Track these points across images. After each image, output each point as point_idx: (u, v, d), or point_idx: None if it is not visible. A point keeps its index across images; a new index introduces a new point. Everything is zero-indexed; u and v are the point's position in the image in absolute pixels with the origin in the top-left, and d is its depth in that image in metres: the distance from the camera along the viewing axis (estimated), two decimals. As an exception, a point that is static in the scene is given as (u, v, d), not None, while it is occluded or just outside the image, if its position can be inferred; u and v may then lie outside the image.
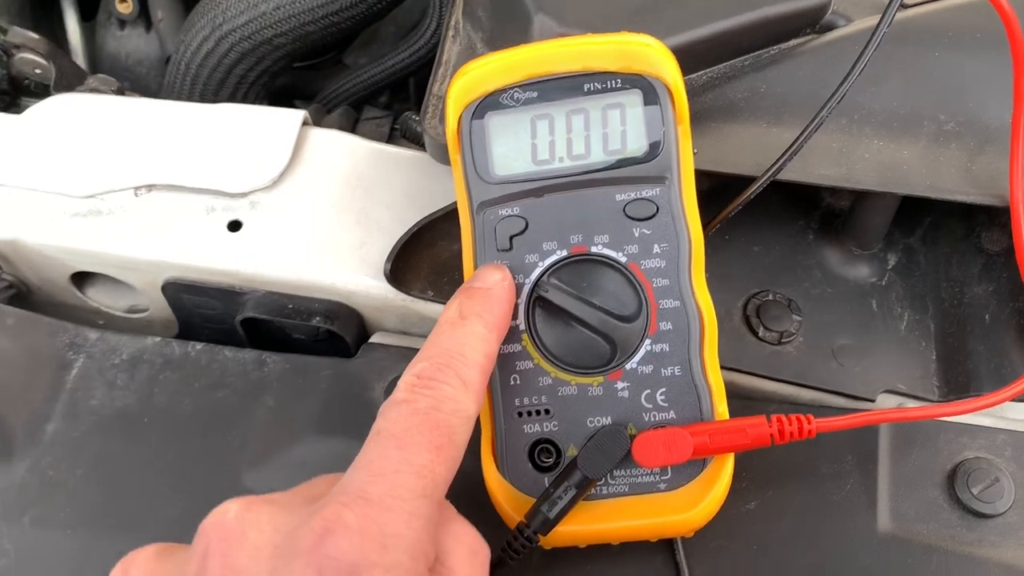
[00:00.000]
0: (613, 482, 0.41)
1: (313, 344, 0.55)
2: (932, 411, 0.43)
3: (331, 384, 0.49)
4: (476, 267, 0.43)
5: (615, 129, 0.42)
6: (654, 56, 0.41)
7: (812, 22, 0.50)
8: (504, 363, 0.41)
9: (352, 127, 0.72)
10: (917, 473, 0.45)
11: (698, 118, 0.47)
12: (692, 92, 0.47)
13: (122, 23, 0.81)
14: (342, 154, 0.56)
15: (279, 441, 0.47)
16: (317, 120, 0.66)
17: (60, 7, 0.82)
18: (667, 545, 0.43)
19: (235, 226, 0.53)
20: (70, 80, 0.66)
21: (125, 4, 0.79)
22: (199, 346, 0.50)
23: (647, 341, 0.41)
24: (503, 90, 0.42)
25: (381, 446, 0.33)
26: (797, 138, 0.45)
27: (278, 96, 0.77)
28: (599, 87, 0.42)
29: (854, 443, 0.46)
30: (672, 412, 0.41)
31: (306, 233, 0.52)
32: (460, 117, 0.42)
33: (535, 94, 0.42)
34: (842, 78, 0.44)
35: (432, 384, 0.35)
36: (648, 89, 0.41)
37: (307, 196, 0.54)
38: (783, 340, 0.51)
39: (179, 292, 0.54)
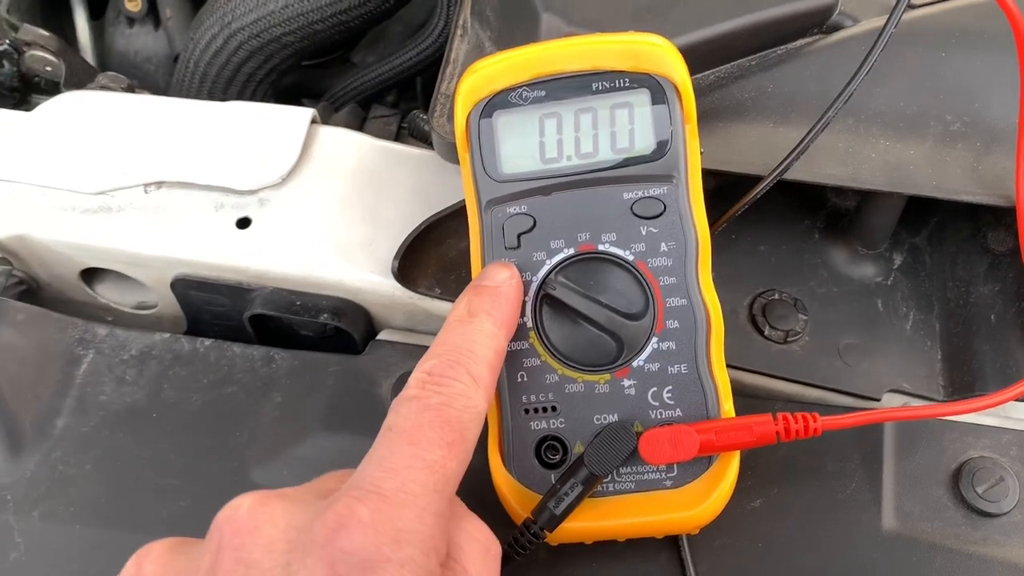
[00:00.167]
0: (619, 479, 0.41)
1: (321, 341, 0.55)
2: (937, 410, 0.43)
3: (338, 380, 0.49)
4: (484, 265, 0.43)
5: (623, 128, 0.42)
6: (662, 55, 0.42)
7: (819, 22, 0.50)
8: (511, 360, 0.42)
9: (360, 125, 0.72)
10: (922, 472, 0.45)
11: (705, 117, 0.47)
12: (699, 92, 0.48)
13: (131, 21, 0.82)
14: (350, 152, 0.56)
15: (287, 437, 0.48)
16: (325, 118, 0.66)
17: (70, 5, 0.83)
18: (672, 542, 0.44)
19: (244, 223, 0.53)
20: (80, 77, 0.67)
21: (134, 2, 0.80)
22: (207, 342, 0.51)
23: (654, 339, 0.41)
24: (511, 89, 0.42)
25: (393, 441, 0.33)
26: (804, 138, 0.45)
27: (286, 94, 0.77)
28: (607, 86, 0.42)
29: (859, 442, 0.46)
30: (678, 410, 0.41)
31: (314, 230, 0.53)
32: (469, 115, 0.43)
33: (543, 93, 0.42)
34: (849, 78, 0.45)
35: (443, 381, 0.35)
36: (656, 88, 0.42)
37: (315, 194, 0.54)
38: (789, 339, 0.51)
39: (188, 288, 0.54)
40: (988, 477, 0.44)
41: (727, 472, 0.40)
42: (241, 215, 0.53)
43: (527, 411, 0.42)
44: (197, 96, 0.70)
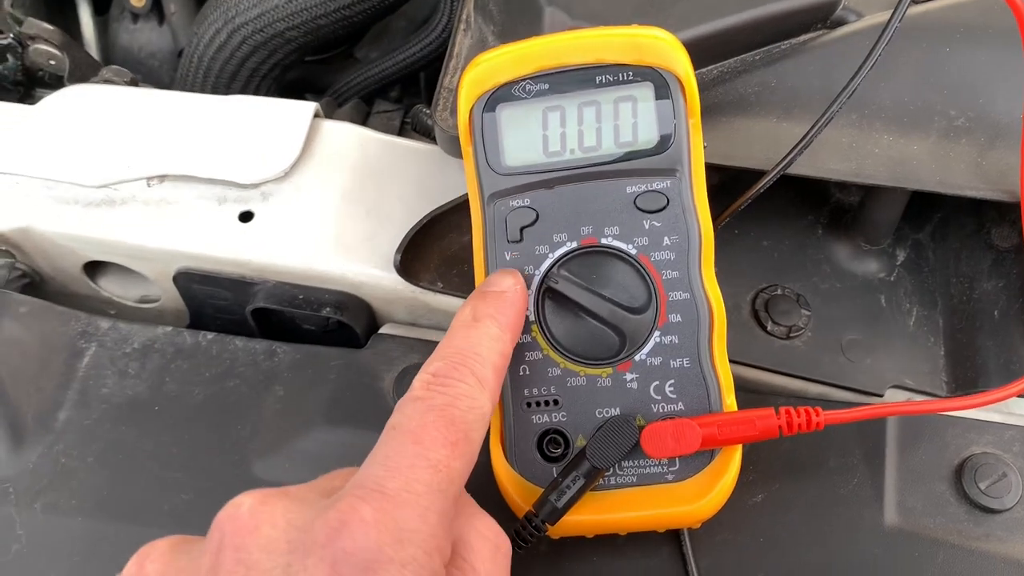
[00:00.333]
0: (621, 473, 0.41)
1: (323, 335, 0.55)
2: (940, 405, 0.43)
3: (340, 374, 0.49)
4: (486, 258, 0.43)
5: (626, 121, 0.42)
6: (666, 49, 0.42)
7: (823, 17, 0.50)
8: (514, 354, 0.41)
9: (363, 120, 0.72)
10: (924, 468, 0.45)
11: (709, 112, 0.47)
12: (703, 86, 0.48)
13: (135, 16, 0.82)
14: (353, 146, 0.56)
15: (289, 430, 0.48)
16: (328, 113, 0.66)
17: (74, 1, 0.83)
18: (674, 536, 0.44)
19: (246, 217, 0.53)
20: (84, 71, 0.67)
21: (138, -3, 0.80)
22: (210, 336, 0.51)
23: (656, 333, 0.41)
24: (515, 82, 0.42)
25: (397, 441, 0.33)
26: (807, 133, 0.45)
27: (289, 89, 0.77)
28: (611, 79, 0.42)
29: (862, 437, 0.46)
30: (681, 404, 0.41)
31: (317, 224, 0.53)
32: (472, 108, 0.42)
33: (547, 86, 0.42)
34: (853, 73, 0.45)
35: (447, 382, 0.35)
36: (660, 82, 0.42)
37: (318, 188, 0.54)
38: (791, 334, 0.51)
39: (190, 282, 0.54)
40: (991, 473, 0.44)
41: (729, 466, 0.40)
42: (244, 209, 0.53)
43: (529, 404, 0.42)
44: (201, 91, 0.70)
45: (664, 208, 0.42)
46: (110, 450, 0.47)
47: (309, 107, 0.56)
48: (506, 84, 0.42)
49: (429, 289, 0.51)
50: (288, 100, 0.57)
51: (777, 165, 0.45)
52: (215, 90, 0.70)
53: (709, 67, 0.49)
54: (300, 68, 0.76)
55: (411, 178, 0.54)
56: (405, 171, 0.55)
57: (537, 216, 0.42)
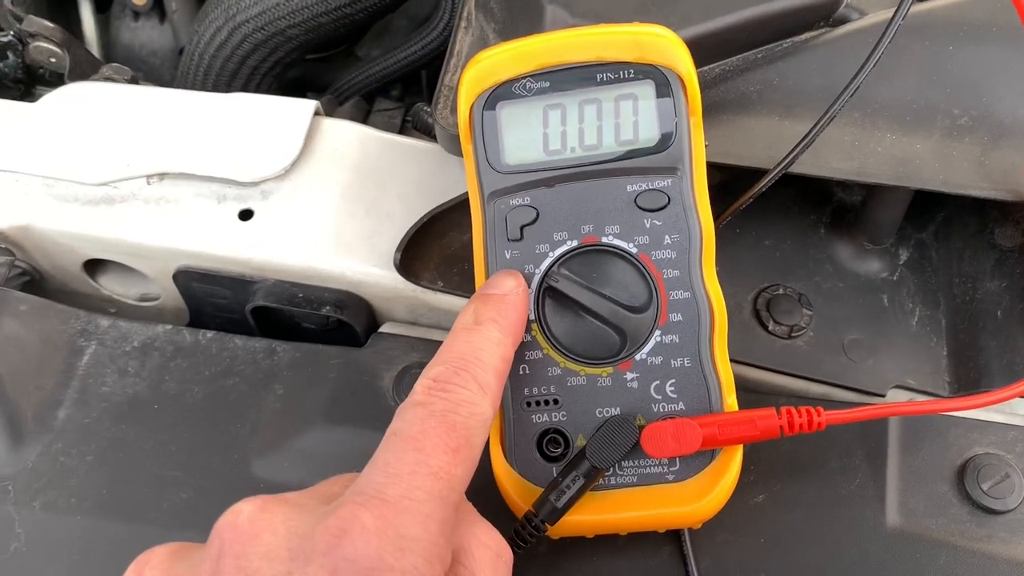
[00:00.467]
0: (621, 472, 0.41)
1: (323, 333, 0.55)
2: (942, 405, 0.43)
3: (340, 373, 0.49)
4: (486, 256, 0.43)
5: (627, 119, 0.42)
6: (667, 47, 0.41)
7: (826, 15, 0.50)
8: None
9: (364, 119, 0.72)
10: (926, 468, 0.45)
11: (710, 110, 0.47)
12: (705, 84, 0.47)
13: (136, 14, 0.82)
14: (353, 144, 0.56)
15: (288, 429, 0.47)
16: (329, 112, 0.66)
17: (75, -1, 0.83)
18: (674, 537, 0.43)
19: (246, 215, 0.53)
20: (84, 69, 0.66)
21: (139, -5, 0.80)
22: (209, 334, 0.51)
23: (657, 332, 0.41)
24: (515, 79, 0.42)
25: (397, 447, 0.33)
26: (810, 131, 0.44)
27: (290, 88, 0.77)
28: (612, 77, 0.41)
29: (863, 437, 0.46)
30: (681, 403, 0.41)
31: (317, 222, 0.52)
32: (472, 106, 0.42)
33: (547, 84, 0.42)
34: (855, 71, 0.44)
35: (448, 387, 0.35)
36: (661, 80, 0.41)
37: (318, 186, 0.54)
38: (793, 334, 0.51)
39: (190, 280, 0.54)
40: (993, 474, 0.44)
41: (730, 466, 0.40)
42: (244, 207, 0.53)
43: (529, 404, 0.41)
44: (202, 89, 0.70)
45: (665, 207, 0.42)
46: (109, 449, 0.47)
47: (309, 105, 0.56)
48: (507, 82, 0.42)
49: (429, 288, 0.51)
50: (288, 98, 0.57)
51: (779, 164, 0.45)
52: (216, 88, 0.70)
53: (711, 65, 0.49)
54: (301, 66, 0.76)
55: (411, 176, 0.54)
56: (405, 169, 0.55)
57: (537, 215, 0.42)
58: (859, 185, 0.53)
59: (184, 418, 0.48)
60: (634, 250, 0.42)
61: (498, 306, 0.39)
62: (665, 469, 0.40)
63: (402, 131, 0.71)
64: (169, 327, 0.51)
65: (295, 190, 0.54)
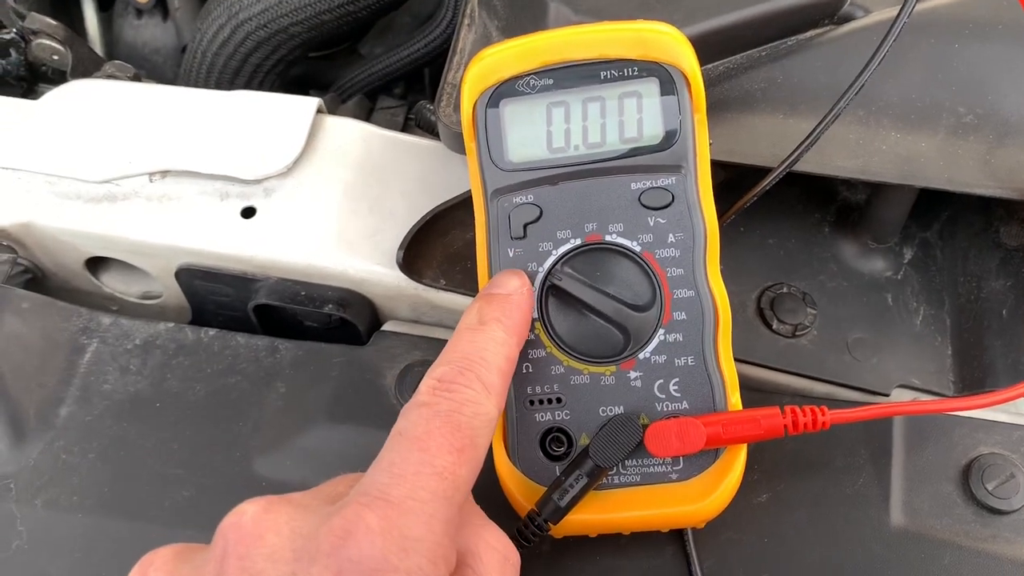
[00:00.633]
0: (625, 472, 0.40)
1: (325, 331, 0.55)
2: (947, 404, 0.43)
3: (343, 371, 0.49)
4: (489, 254, 0.42)
5: (631, 117, 0.41)
6: (672, 44, 0.41)
7: (830, 13, 0.50)
8: (517, 352, 0.41)
9: (366, 117, 0.72)
10: (931, 468, 0.45)
11: (715, 108, 0.47)
12: (709, 82, 0.47)
13: (139, 12, 0.82)
14: (356, 142, 0.55)
15: (290, 427, 0.47)
16: (332, 109, 0.66)
17: (78, -3, 0.83)
18: (677, 536, 0.43)
19: (249, 212, 0.53)
20: (87, 66, 0.66)
21: (142, -7, 0.80)
22: (212, 332, 0.51)
23: (661, 331, 0.41)
24: (518, 77, 0.42)
25: (402, 447, 0.33)
26: (814, 129, 0.44)
27: (293, 86, 0.77)
28: (616, 75, 0.41)
29: (868, 437, 0.45)
30: (685, 402, 0.41)
31: (319, 220, 0.52)
32: (475, 104, 0.42)
33: (551, 81, 0.42)
34: (860, 69, 0.44)
35: (453, 387, 0.35)
36: (665, 77, 0.41)
37: (321, 183, 0.54)
38: (797, 333, 0.50)
39: (192, 278, 0.54)
40: (998, 474, 0.44)
41: (734, 465, 0.40)
42: (246, 204, 0.53)
43: (532, 402, 0.41)
44: (204, 87, 0.70)
45: (669, 205, 0.41)
46: (111, 447, 0.47)
47: (312, 103, 0.56)
48: (510, 79, 0.42)
49: (432, 286, 0.50)
50: (291, 96, 0.57)
51: (783, 162, 0.45)
52: (218, 86, 0.70)
53: (715, 63, 0.49)
54: (304, 64, 0.76)
55: (414, 174, 0.54)
56: (408, 167, 0.54)
57: (541, 213, 0.42)
58: (863, 183, 0.53)
59: (186, 416, 0.48)
60: (638, 248, 0.41)
61: (502, 306, 0.39)
62: (668, 468, 0.40)
63: (405, 129, 0.71)
64: (171, 325, 0.51)
65: (298, 188, 0.54)
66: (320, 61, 0.79)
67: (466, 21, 0.52)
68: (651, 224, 0.41)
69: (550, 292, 0.42)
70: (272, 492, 0.45)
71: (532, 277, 0.42)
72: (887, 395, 0.49)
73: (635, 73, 0.41)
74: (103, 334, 0.51)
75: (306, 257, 0.51)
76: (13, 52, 0.66)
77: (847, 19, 0.50)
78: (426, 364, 0.48)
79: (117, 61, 0.65)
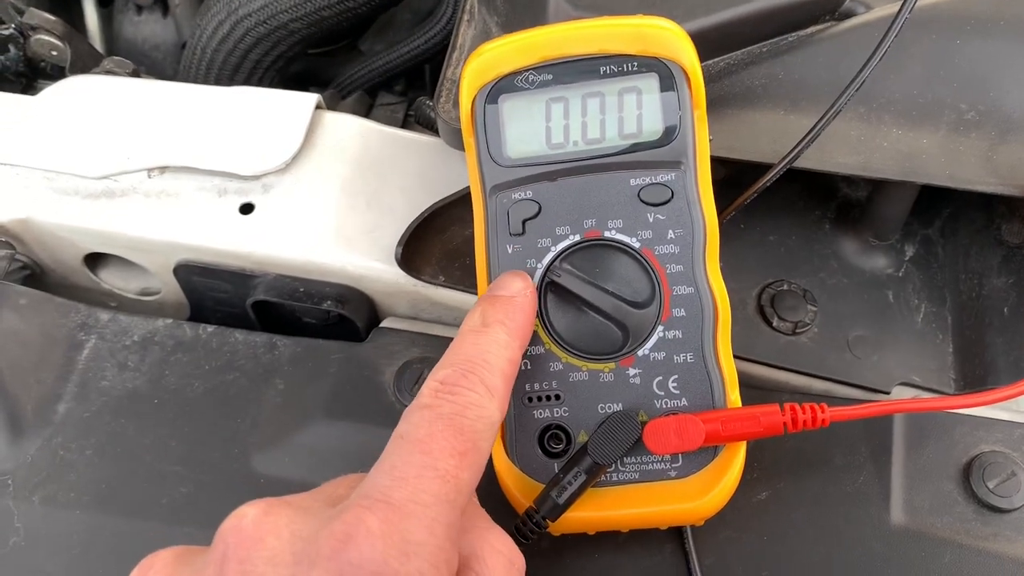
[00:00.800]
0: (623, 469, 0.40)
1: (324, 328, 0.55)
2: (948, 402, 0.42)
3: (341, 368, 0.49)
4: (488, 251, 0.42)
5: (631, 113, 0.41)
6: (672, 39, 0.41)
7: (831, 9, 0.50)
8: (515, 348, 0.41)
9: (366, 113, 0.72)
10: (932, 466, 0.44)
11: (715, 104, 0.46)
12: (709, 78, 0.47)
13: (139, 8, 0.82)
14: (355, 138, 0.55)
15: (289, 424, 0.47)
16: (332, 106, 0.65)
17: (78, -8, 0.82)
18: (676, 534, 0.43)
19: (247, 209, 0.53)
20: (86, 62, 0.66)
21: (142, -11, 0.79)
22: (210, 328, 0.50)
23: (660, 327, 0.41)
24: (517, 72, 0.42)
25: (404, 450, 0.33)
26: (815, 125, 0.44)
27: (293, 82, 0.77)
28: (615, 70, 0.41)
29: (868, 435, 0.45)
30: (684, 399, 0.40)
31: (318, 216, 0.52)
32: (474, 99, 0.42)
33: (550, 76, 0.42)
34: (861, 65, 0.44)
35: (456, 390, 0.35)
36: (665, 73, 0.41)
37: (319, 179, 0.54)
38: (797, 330, 0.50)
39: (191, 274, 0.54)
40: (999, 472, 0.44)
41: (733, 463, 0.40)
42: (244, 200, 0.53)
43: (530, 399, 0.41)
44: (204, 83, 0.70)
45: (668, 201, 0.41)
46: (109, 443, 0.47)
47: (311, 98, 0.56)
48: (509, 75, 0.42)
49: (431, 283, 0.50)
50: (289, 91, 0.57)
51: (784, 158, 0.45)
52: (218, 82, 0.70)
53: (715, 59, 0.49)
54: (304, 61, 0.76)
55: (413, 170, 0.54)
56: (407, 163, 0.54)
57: (540, 209, 0.42)
58: (865, 180, 0.53)
59: (184, 413, 0.48)
60: (637, 245, 0.41)
61: (506, 308, 0.39)
62: (667, 466, 0.40)
63: (405, 125, 0.70)
64: (169, 321, 0.51)
65: (296, 184, 0.53)
66: (320, 57, 0.79)
67: (465, 17, 0.52)
68: (650, 220, 0.41)
69: (549, 289, 0.41)
70: (270, 488, 0.45)
71: (531, 273, 0.41)
72: (888, 393, 0.49)
73: (635, 69, 0.41)
74: (101, 330, 0.50)
75: (304, 253, 0.51)
76: (12, 48, 0.66)
77: (848, 15, 0.50)
78: (425, 361, 0.48)
79: (116, 57, 0.65)
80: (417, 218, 0.49)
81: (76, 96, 0.57)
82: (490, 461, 0.40)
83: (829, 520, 0.44)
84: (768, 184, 0.45)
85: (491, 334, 0.37)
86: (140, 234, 0.53)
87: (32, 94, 0.59)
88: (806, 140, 0.44)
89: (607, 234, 0.41)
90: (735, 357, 0.41)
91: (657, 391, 0.40)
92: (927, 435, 0.45)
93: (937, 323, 0.51)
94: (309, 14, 0.66)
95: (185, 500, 0.45)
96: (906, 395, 0.49)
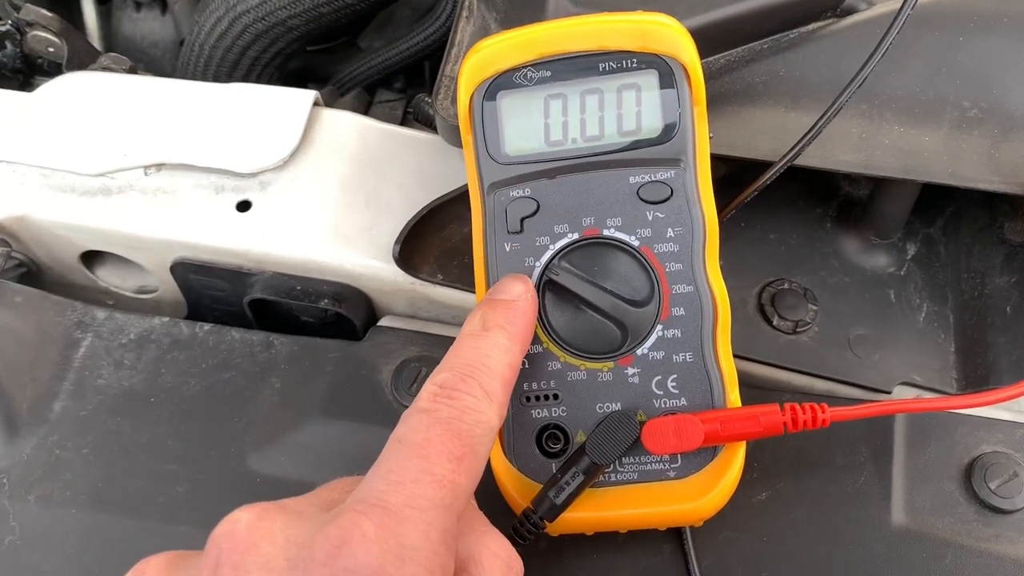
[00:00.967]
0: (622, 469, 0.40)
1: (321, 326, 0.54)
2: (949, 402, 0.42)
3: (338, 367, 0.48)
4: (486, 249, 0.42)
5: (630, 110, 0.41)
6: (671, 36, 0.41)
7: (833, 5, 0.49)
8: (513, 347, 0.41)
9: (365, 110, 0.71)
10: (933, 466, 0.44)
11: (715, 101, 0.46)
12: (710, 75, 0.47)
13: (138, 5, 0.81)
14: (353, 135, 0.55)
15: (285, 423, 0.47)
16: (330, 103, 0.65)
17: (77, -10, 0.82)
18: (675, 534, 0.43)
19: (244, 206, 0.53)
20: (83, 59, 0.66)
21: (141, -14, 0.79)
22: (207, 327, 0.50)
23: (659, 326, 0.40)
24: (516, 69, 0.41)
25: (401, 454, 0.32)
26: (816, 123, 0.44)
27: (292, 79, 0.76)
28: (614, 66, 0.41)
29: (869, 435, 0.45)
30: (683, 399, 0.40)
31: (315, 214, 0.52)
32: (472, 96, 0.42)
33: (548, 73, 0.41)
34: (863, 63, 0.43)
35: (455, 394, 0.34)
36: (665, 70, 0.41)
37: (317, 177, 0.53)
38: (798, 329, 0.50)
39: (188, 272, 0.54)
40: (1001, 472, 0.43)
41: (732, 463, 0.40)
42: (241, 198, 0.53)
43: (528, 399, 0.41)
44: (202, 80, 0.70)
45: (668, 199, 0.41)
46: (105, 441, 0.47)
47: (308, 95, 0.56)
48: (507, 71, 0.41)
49: (428, 281, 0.50)
50: (287, 88, 0.56)
51: (785, 156, 0.44)
52: (216, 80, 0.69)
53: (716, 55, 0.49)
54: (303, 57, 0.75)
55: (411, 168, 0.54)
56: (405, 160, 0.54)
57: (538, 206, 0.42)
58: (866, 178, 0.53)
59: (181, 411, 0.48)
60: (636, 243, 0.41)
61: (506, 312, 0.38)
62: (666, 466, 0.40)
63: (403, 122, 0.70)
64: (166, 319, 0.51)
65: (293, 181, 0.53)
66: (319, 54, 0.79)
67: (464, 14, 0.51)
68: (650, 218, 0.41)
69: (547, 287, 0.41)
70: (267, 487, 0.45)
71: (529, 272, 0.41)
72: (889, 392, 0.49)
73: (634, 65, 0.41)
74: (98, 328, 0.50)
75: (302, 251, 0.51)
76: (8, 44, 0.66)
77: (850, 12, 0.49)
78: (423, 359, 0.48)
79: (113, 53, 0.65)
80: (415, 216, 0.49)
81: (73, 93, 0.57)
82: (488, 461, 0.40)
83: (829, 520, 0.43)
84: (769, 182, 0.45)
85: (491, 338, 0.37)
86: (137, 231, 0.52)
87: (29, 91, 0.59)
88: (807, 138, 0.44)
89: (606, 232, 0.41)
90: (735, 356, 0.41)
91: (656, 391, 0.40)
92: (928, 435, 0.45)
93: (939, 322, 0.51)
94: (307, 11, 0.66)
95: (181, 499, 0.45)
96: (907, 395, 0.49)
